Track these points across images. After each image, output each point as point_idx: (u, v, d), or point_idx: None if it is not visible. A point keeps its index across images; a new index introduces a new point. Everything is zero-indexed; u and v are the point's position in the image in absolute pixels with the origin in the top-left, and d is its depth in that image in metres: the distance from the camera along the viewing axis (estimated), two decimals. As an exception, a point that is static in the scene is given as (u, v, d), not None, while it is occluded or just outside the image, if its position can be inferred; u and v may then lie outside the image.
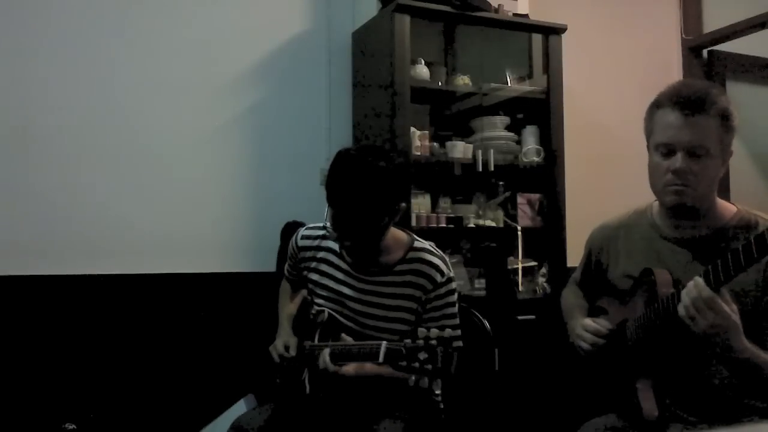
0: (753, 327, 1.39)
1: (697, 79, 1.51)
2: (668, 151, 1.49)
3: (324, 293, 1.84)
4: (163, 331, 2.59)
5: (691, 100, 1.46)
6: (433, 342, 1.46)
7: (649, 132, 1.56)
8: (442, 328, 1.50)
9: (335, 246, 1.84)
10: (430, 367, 1.45)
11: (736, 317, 1.33)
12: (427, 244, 1.82)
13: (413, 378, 1.46)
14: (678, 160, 1.47)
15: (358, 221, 1.64)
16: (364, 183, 1.60)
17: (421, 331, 1.49)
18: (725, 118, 1.47)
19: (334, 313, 1.80)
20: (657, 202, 1.62)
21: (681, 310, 1.35)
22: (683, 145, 1.46)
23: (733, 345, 1.35)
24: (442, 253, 1.82)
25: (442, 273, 1.76)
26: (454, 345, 1.72)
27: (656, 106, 1.53)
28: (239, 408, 2.34)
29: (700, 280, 1.32)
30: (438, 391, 1.50)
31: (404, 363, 1.47)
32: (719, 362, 1.45)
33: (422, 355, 1.45)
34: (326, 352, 1.66)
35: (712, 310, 1.31)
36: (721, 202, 1.56)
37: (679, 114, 1.47)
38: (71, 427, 2.34)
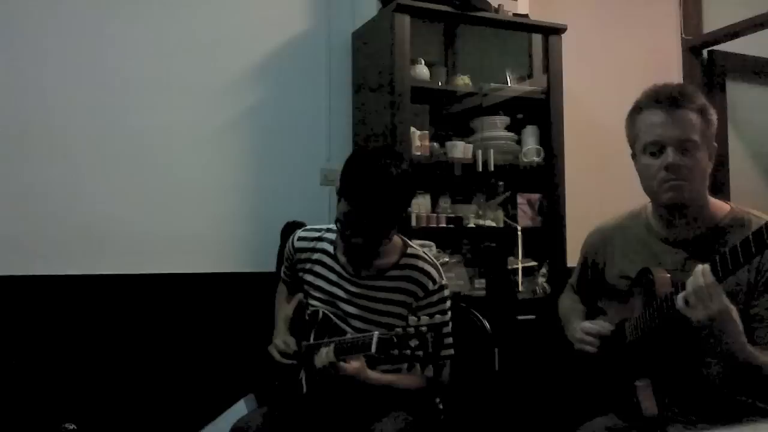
0: (744, 328, 1.39)
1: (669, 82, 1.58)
2: (658, 149, 1.52)
3: (318, 294, 1.85)
4: (163, 332, 2.59)
5: (671, 96, 1.51)
6: (423, 328, 1.48)
7: (633, 137, 1.59)
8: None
9: (330, 248, 1.85)
10: (421, 353, 1.47)
11: (735, 314, 1.34)
12: (420, 251, 1.83)
13: (406, 366, 1.48)
14: (669, 155, 1.49)
15: (373, 220, 1.65)
16: (387, 184, 1.63)
17: (412, 319, 1.51)
18: (703, 112, 1.52)
19: (328, 314, 1.81)
20: (651, 203, 1.63)
21: (680, 301, 1.36)
22: (672, 140, 1.49)
23: (729, 341, 1.35)
24: (435, 260, 1.83)
25: (434, 281, 1.77)
26: (444, 353, 1.74)
27: (637, 110, 1.57)
28: (239, 408, 2.34)
29: (706, 267, 1.33)
30: (430, 375, 1.51)
31: (396, 351, 1.48)
32: (717, 360, 1.45)
33: (413, 342, 1.48)
34: (328, 349, 1.66)
35: (713, 300, 1.31)
36: (713, 201, 1.57)
37: (663, 111, 1.51)
38: (71, 427, 2.34)
